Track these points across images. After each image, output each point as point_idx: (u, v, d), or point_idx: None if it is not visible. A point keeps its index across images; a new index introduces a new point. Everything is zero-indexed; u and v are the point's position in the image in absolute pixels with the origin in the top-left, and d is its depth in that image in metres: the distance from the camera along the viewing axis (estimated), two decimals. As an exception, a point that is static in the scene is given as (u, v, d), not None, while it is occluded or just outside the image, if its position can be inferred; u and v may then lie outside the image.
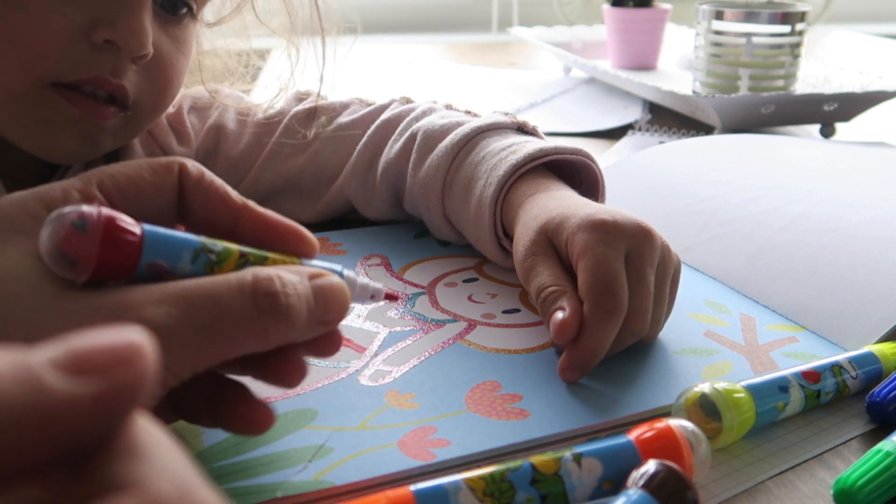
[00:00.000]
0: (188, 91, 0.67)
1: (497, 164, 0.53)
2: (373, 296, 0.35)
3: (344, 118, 0.65)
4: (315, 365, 0.43)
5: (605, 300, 0.41)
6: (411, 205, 0.60)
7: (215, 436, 0.37)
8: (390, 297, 0.36)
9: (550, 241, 0.46)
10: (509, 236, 0.53)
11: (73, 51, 0.48)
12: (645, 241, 0.44)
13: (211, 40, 0.65)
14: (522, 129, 0.58)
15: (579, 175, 0.56)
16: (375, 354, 0.44)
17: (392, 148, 0.61)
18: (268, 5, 0.63)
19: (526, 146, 0.53)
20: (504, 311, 0.49)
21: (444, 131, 0.58)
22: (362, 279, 0.35)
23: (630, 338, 0.43)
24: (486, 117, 0.59)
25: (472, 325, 0.48)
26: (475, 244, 0.55)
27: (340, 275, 0.33)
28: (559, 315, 0.42)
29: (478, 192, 0.53)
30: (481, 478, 0.32)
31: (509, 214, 0.51)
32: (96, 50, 0.49)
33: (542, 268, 0.45)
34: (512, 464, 0.33)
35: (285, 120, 0.65)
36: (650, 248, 0.44)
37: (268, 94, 0.67)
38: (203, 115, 0.67)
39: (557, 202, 0.48)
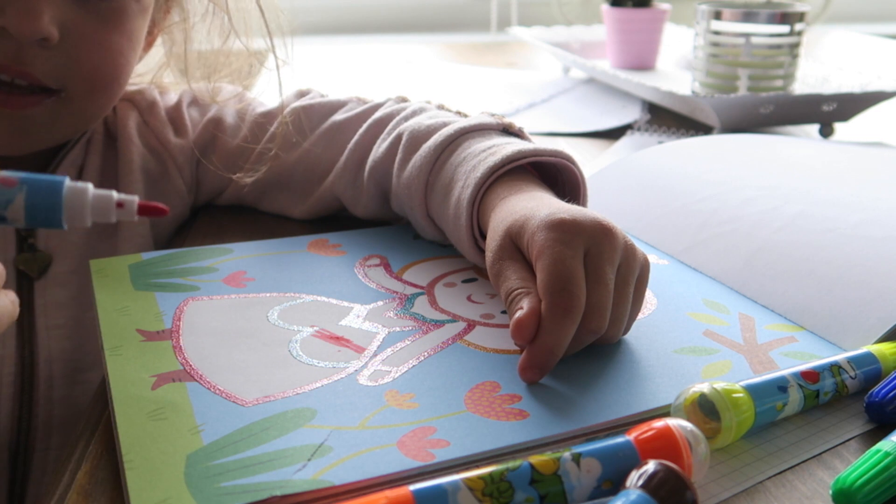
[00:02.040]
0: (191, 86, 0.68)
1: (476, 165, 0.52)
2: (120, 204, 0.27)
3: (339, 116, 0.66)
4: (315, 365, 0.43)
5: (560, 299, 0.41)
6: (397, 204, 0.60)
7: (214, 433, 0.37)
8: (149, 210, 0.27)
9: (515, 243, 0.46)
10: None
11: None
12: (604, 239, 0.43)
13: (208, 39, 0.66)
14: (508, 130, 0.58)
15: (562, 177, 0.56)
16: (374, 354, 0.44)
17: (379, 147, 0.60)
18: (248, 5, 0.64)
19: (506, 148, 0.53)
20: (503, 312, 0.49)
21: (430, 132, 0.58)
22: (101, 190, 0.27)
23: (589, 336, 0.43)
24: (471, 118, 0.58)
25: (471, 325, 0.48)
26: (456, 245, 0.55)
27: (61, 185, 0.28)
28: (517, 315, 0.42)
29: (456, 194, 0.53)
30: (480, 477, 0.32)
31: (485, 217, 0.51)
32: None
33: (510, 272, 0.45)
34: (511, 464, 0.33)
35: (282, 116, 0.65)
36: (610, 246, 0.43)
37: (267, 92, 0.67)
38: (204, 109, 0.68)
39: (525, 203, 0.48)
